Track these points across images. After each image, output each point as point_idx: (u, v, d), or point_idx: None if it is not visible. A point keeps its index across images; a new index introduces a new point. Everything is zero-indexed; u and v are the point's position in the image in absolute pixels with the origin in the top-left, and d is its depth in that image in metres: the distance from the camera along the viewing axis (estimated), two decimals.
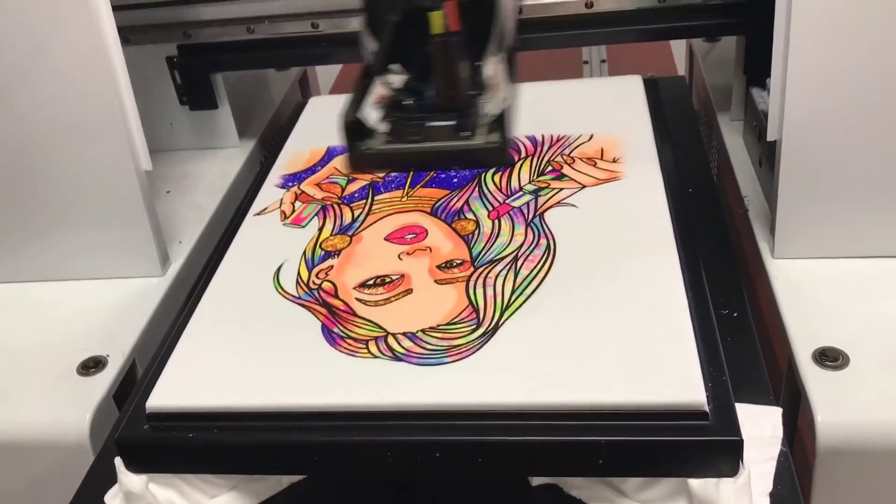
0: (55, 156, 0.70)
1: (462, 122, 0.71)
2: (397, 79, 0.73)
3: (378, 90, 0.73)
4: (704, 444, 0.46)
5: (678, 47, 1.21)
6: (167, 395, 0.52)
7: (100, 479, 0.54)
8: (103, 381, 0.64)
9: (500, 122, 0.71)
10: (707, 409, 0.47)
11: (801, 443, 0.57)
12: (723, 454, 0.46)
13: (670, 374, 0.48)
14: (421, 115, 0.73)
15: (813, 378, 0.56)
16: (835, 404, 0.54)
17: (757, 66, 0.78)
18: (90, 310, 0.72)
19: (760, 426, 0.52)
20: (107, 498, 0.53)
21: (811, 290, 0.63)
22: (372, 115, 0.72)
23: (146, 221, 0.73)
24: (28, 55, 0.67)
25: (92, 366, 0.65)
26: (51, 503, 0.55)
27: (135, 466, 0.51)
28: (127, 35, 0.88)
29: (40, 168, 0.71)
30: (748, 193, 0.75)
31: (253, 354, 0.54)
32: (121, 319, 0.70)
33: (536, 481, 0.52)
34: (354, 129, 0.72)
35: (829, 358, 0.57)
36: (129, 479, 0.51)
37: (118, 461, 0.52)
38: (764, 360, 0.60)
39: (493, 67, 0.72)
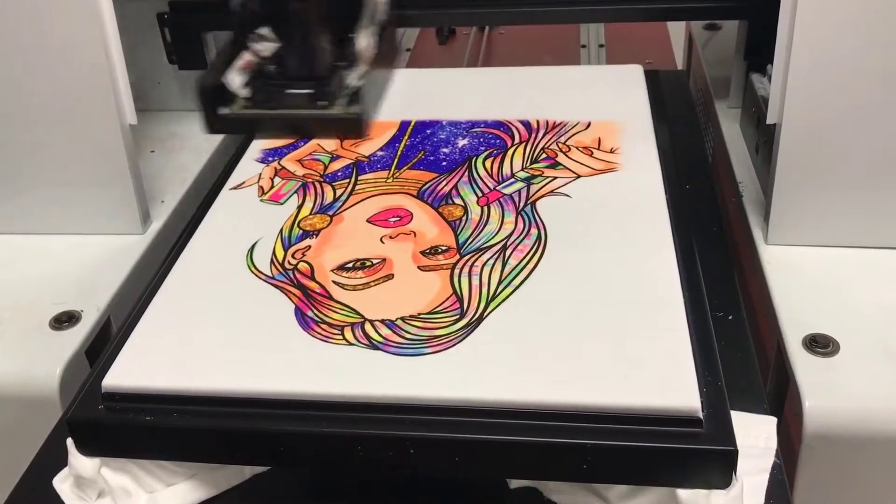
0: (39, 106, 0.68)
1: (320, 91, 0.71)
2: (267, 45, 0.74)
3: (245, 56, 0.74)
4: (696, 453, 0.44)
5: (677, 35, 1.19)
6: (125, 373, 0.49)
7: (66, 436, 0.51)
8: (76, 336, 0.62)
9: (357, 95, 0.71)
10: (701, 416, 0.44)
11: (785, 428, 0.56)
12: (716, 464, 0.44)
13: (663, 377, 0.46)
14: (282, 82, 0.73)
15: (802, 364, 0.55)
16: (823, 390, 0.54)
17: (758, 51, 0.77)
18: (67, 264, 0.70)
19: (754, 436, 0.50)
20: (55, 482, 0.50)
21: (803, 278, 0.63)
22: (236, 80, 0.72)
23: (128, 177, 0.71)
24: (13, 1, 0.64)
25: (65, 320, 0.63)
26: (19, 456, 0.53)
27: (87, 449, 0.48)
28: None
29: (23, 119, 0.69)
30: (743, 180, 0.75)
31: (219, 335, 0.51)
32: (98, 275, 0.68)
33: (515, 483, 0.50)
34: (213, 92, 0.72)
35: (820, 344, 0.57)
36: (80, 463, 0.48)
37: (69, 442, 0.48)
38: (754, 347, 0.59)
39: (364, 41, 0.72)
